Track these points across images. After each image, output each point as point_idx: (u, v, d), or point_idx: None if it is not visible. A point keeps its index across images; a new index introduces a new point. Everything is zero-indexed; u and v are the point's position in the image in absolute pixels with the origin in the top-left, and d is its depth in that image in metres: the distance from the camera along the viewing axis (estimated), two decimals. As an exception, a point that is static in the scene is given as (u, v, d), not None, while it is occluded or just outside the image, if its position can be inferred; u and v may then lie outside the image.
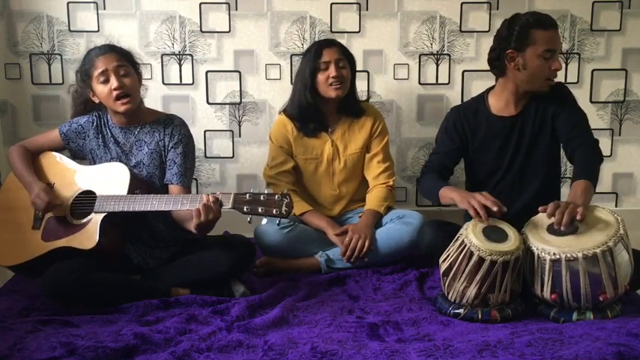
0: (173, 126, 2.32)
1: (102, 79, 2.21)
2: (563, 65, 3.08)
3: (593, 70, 3.11)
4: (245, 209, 2.00)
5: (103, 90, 2.22)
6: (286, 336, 1.87)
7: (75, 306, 2.13)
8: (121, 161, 2.29)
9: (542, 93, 2.32)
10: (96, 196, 2.19)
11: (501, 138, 2.38)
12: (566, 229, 1.96)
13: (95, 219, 2.15)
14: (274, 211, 1.99)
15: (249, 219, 2.02)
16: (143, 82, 2.37)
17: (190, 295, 2.18)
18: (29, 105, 3.07)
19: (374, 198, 2.66)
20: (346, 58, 2.59)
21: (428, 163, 2.47)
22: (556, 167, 2.44)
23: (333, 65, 2.54)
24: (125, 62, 2.26)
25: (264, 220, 2.02)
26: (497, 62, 2.33)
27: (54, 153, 2.38)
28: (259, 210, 1.99)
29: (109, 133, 2.33)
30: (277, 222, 2.06)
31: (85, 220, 2.19)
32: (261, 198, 2.00)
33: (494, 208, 2.04)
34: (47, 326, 1.97)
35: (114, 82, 2.20)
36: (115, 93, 2.20)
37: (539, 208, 2.07)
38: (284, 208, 1.99)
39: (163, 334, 1.88)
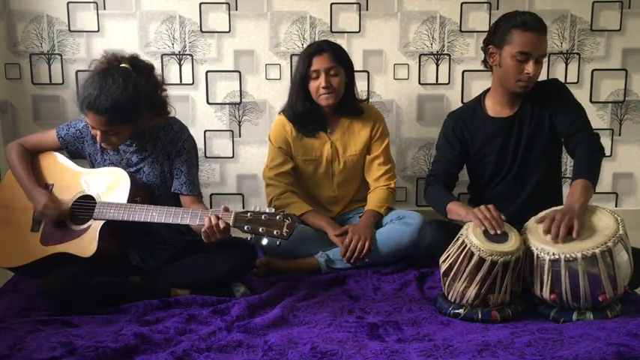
0: (174, 133, 2.27)
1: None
2: (563, 65, 3.09)
3: (593, 70, 3.11)
4: (246, 228, 2.00)
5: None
6: (286, 336, 1.86)
7: (75, 308, 2.13)
8: (120, 167, 2.25)
9: (534, 92, 2.31)
10: (95, 202, 2.17)
11: (500, 139, 2.37)
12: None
13: (94, 226, 2.14)
14: (275, 232, 1.98)
15: (250, 237, 2.02)
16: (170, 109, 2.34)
17: (190, 295, 2.18)
18: (29, 105, 3.07)
19: (374, 198, 2.66)
20: (339, 63, 2.54)
21: (432, 173, 2.45)
22: (555, 165, 2.44)
23: (323, 74, 2.50)
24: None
25: (265, 240, 2.01)
26: (484, 56, 2.37)
27: (54, 153, 2.35)
28: (260, 230, 1.99)
29: None
30: (277, 243, 2.03)
31: (84, 226, 2.17)
32: (263, 217, 1.99)
33: (492, 231, 2.02)
34: (47, 326, 1.97)
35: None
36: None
37: (533, 219, 2.08)
38: (285, 230, 1.98)
39: (163, 334, 1.88)
